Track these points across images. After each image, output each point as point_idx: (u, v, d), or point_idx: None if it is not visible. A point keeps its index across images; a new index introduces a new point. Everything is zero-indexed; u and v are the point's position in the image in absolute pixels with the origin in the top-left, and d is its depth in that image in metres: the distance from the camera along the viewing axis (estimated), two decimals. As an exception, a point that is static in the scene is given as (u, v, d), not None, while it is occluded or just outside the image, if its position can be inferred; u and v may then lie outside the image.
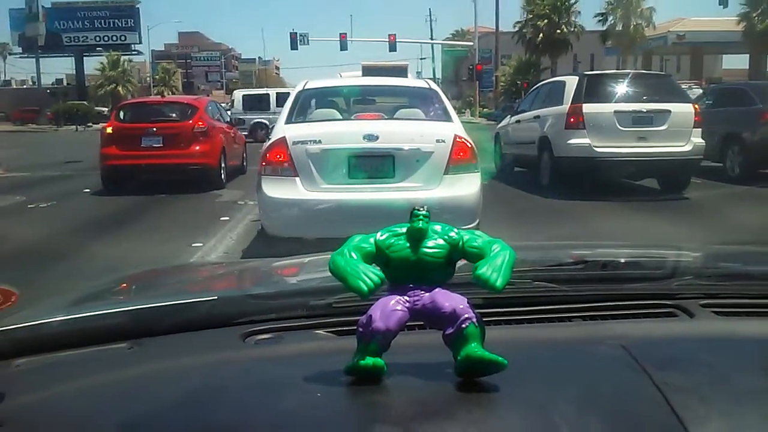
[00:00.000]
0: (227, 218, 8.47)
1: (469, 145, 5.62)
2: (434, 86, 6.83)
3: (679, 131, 10.09)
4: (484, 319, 0.89)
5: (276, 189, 5.45)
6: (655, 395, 0.80)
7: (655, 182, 10.99)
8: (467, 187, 5.49)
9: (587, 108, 10.08)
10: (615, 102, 10.26)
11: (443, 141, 5.50)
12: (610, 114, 10.05)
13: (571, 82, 10.84)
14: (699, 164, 10.67)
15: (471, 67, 46.15)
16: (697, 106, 10.77)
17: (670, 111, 10.11)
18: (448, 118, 5.98)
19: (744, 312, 1.19)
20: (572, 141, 10.08)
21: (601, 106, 10.14)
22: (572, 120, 10.12)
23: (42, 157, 19.43)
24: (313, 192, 5.39)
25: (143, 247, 6.55)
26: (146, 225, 8.42)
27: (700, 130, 10.26)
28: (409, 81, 8.52)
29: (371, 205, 5.11)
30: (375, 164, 5.48)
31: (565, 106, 10.35)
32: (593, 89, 10.41)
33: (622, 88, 10.55)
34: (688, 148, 10.09)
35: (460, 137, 5.57)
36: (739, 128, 12.12)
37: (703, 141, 10.31)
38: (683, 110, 10.24)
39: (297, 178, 5.40)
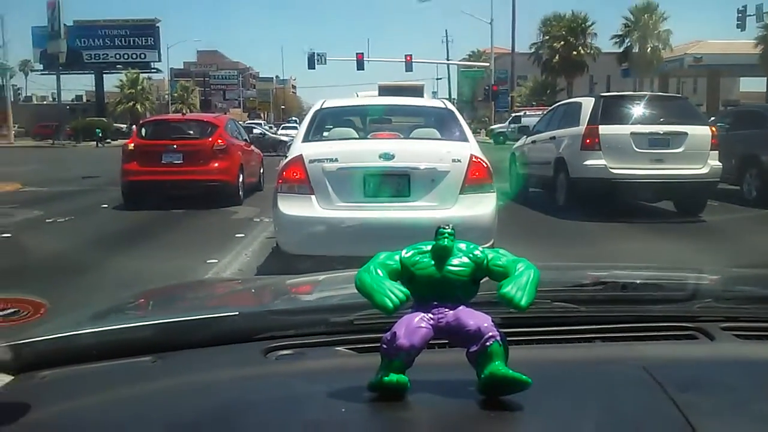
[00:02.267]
0: (243, 235, 8.52)
1: (485, 165, 5.63)
2: (450, 106, 6.87)
3: (696, 153, 10.07)
4: None
5: (292, 206, 5.49)
6: (677, 417, 0.79)
7: (671, 204, 10.96)
8: (483, 207, 5.50)
9: (603, 129, 10.10)
10: (631, 124, 10.26)
11: (459, 161, 5.52)
12: (626, 136, 10.05)
13: (588, 103, 10.86)
14: (716, 187, 10.63)
15: (487, 87, 46.33)
16: (714, 128, 10.76)
17: (687, 133, 10.10)
18: (464, 138, 6.01)
19: (765, 336, 1.20)
20: (588, 162, 10.09)
21: (617, 128, 10.15)
22: (588, 141, 10.14)
23: (60, 173, 19.61)
24: (328, 210, 5.42)
25: (158, 263, 6.58)
26: (162, 241, 8.49)
27: (717, 152, 10.23)
28: (426, 101, 8.56)
29: (387, 224, 5.13)
30: (391, 183, 5.50)
31: (582, 128, 10.36)
32: (609, 111, 10.42)
33: (638, 109, 10.56)
34: (705, 170, 10.06)
35: (476, 157, 5.59)
36: (757, 151, 12.06)
37: (720, 164, 10.27)
38: (700, 132, 10.22)
39: (313, 196, 5.44)
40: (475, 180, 5.50)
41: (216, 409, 0.90)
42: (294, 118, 77.01)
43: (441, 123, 6.41)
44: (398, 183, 5.50)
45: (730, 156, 12.32)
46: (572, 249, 7.71)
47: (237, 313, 1.29)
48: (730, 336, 1.16)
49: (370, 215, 5.36)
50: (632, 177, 9.89)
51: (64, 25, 55.03)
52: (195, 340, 1.18)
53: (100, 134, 45.15)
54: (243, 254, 7.32)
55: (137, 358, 1.12)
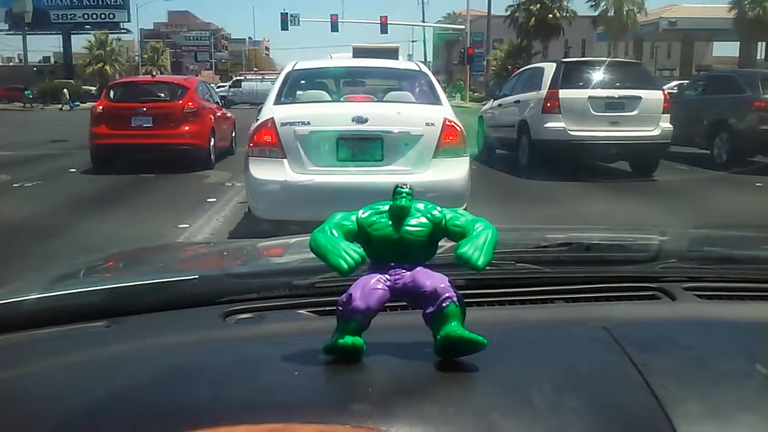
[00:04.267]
0: (214, 199, 8.41)
1: (458, 129, 5.58)
2: (425, 69, 6.77)
3: (649, 116, 10.66)
4: (466, 300, 0.88)
5: (263, 170, 5.41)
6: (635, 376, 0.80)
7: (627, 165, 11.42)
8: (456, 170, 5.46)
9: (563, 94, 10.67)
10: (589, 88, 10.83)
11: (432, 124, 5.46)
12: (584, 99, 10.63)
13: (549, 68, 11.36)
14: (667, 148, 11.19)
15: (462, 50, 45.95)
16: (666, 93, 11.34)
17: (641, 97, 10.67)
18: (438, 101, 5.94)
19: (727, 296, 1.19)
20: (548, 124, 10.64)
21: (576, 92, 10.72)
22: (549, 105, 10.70)
23: (28, 136, 19.24)
24: (300, 174, 5.35)
25: (127, 228, 6.49)
26: (132, 205, 8.34)
27: (668, 115, 10.83)
28: (400, 63, 8.46)
29: (359, 187, 5.08)
30: (364, 147, 5.44)
31: (543, 92, 10.92)
32: (569, 76, 10.98)
33: (596, 75, 11.12)
34: (656, 132, 10.67)
35: (450, 121, 5.53)
36: (727, 116, 12.14)
37: (671, 126, 10.84)
38: (653, 97, 10.80)
39: (285, 160, 5.36)
40: (448, 144, 5.45)
41: (168, 373, 0.89)
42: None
43: (415, 86, 6.33)
44: (371, 147, 5.43)
45: (701, 120, 12.50)
46: (534, 208, 8.00)
47: (197, 276, 1.26)
48: (692, 296, 1.17)
49: (342, 179, 5.29)
50: (589, 138, 10.47)
51: (30, -18, 53.63)
52: (152, 305, 1.15)
53: (68, 96, 44.16)
54: (215, 219, 7.22)
55: (91, 323, 1.09)
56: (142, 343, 1.00)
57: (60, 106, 43.49)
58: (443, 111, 5.69)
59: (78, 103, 43.91)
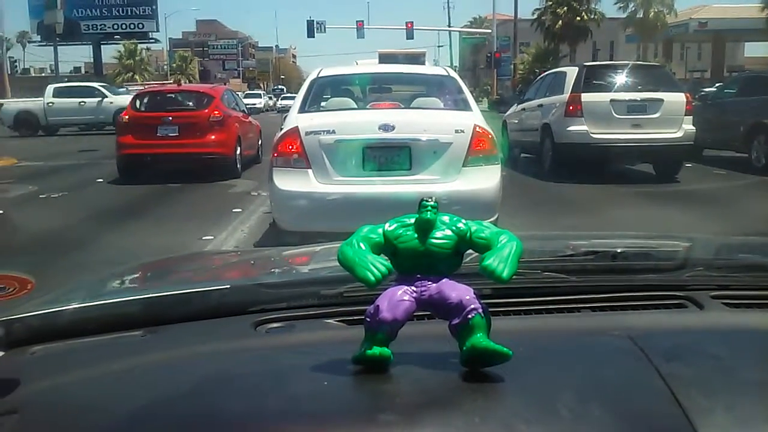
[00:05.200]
0: (240, 210, 8.31)
1: (490, 135, 5.39)
2: (453, 74, 6.58)
3: (672, 119, 10.71)
4: (493, 309, 0.90)
5: (288, 181, 5.26)
6: (661, 387, 0.80)
7: (658, 169, 11.28)
8: (487, 179, 5.26)
9: (585, 97, 10.80)
10: (612, 91, 10.95)
11: (462, 131, 5.27)
12: (606, 102, 10.73)
13: (572, 72, 11.57)
14: (690, 150, 11.18)
15: (489, 54, 45.70)
16: (689, 95, 11.38)
17: (663, 100, 10.77)
18: (468, 108, 5.74)
19: (755, 304, 1.17)
20: (571, 128, 10.77)
21: (598, 95, 10.84)
22: (571, 108, 10.83)
23: (57, 147, 19.35)
24: (326, 184, 5.19)
25: (151, 240, 6.39)
26: (156, 216, 8.28)
27: (691, 117, 10.89)
28: (427, 68, 8.29)
29: (386, 198, 4.89)
30: (391, 155, 5.26)
31: (565, 95, 11.05)
32: (592, 79, 11.18)
33: (618, 78, 11.28)
34: (679, 134, 10.70)
35: (480, 127, 5.34)
36: (766, 118, 11.76)
37: (694, 128, 10.87)
38: (675, 99, 10.86)
39: (309, 170, 5.20)
40: (478, 151, 5.26)
41: (202, 383, 0.90)
42: (281, 87, 76.61)
43: (443, 92, 6.14)
44: (398, 155, 5.26)
45: (737, 123, 12.17)
46: (559, 212, 7.97)
47: (228, 286, 1.30)
48: (720, 305, 1.15)
49: (369, 190, 5.12)
50: (612, 141, 10.54)
51: (61, -5, 54.45)
52: (185, 314, 1.18)
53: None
54: (240, 230, 7.11)
55: (127, 332, 1.12)
56: (178, 353, 1.03)
57: None
58: (473, 117, 5.49)
59: None
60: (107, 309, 1.22)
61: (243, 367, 0.95)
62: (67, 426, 0.84)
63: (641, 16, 48.33)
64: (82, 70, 71.70)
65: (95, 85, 26.30)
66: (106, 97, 24.17)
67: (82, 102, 24.02)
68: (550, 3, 48.75)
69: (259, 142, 13.99)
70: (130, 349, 1.07)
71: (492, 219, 5.00)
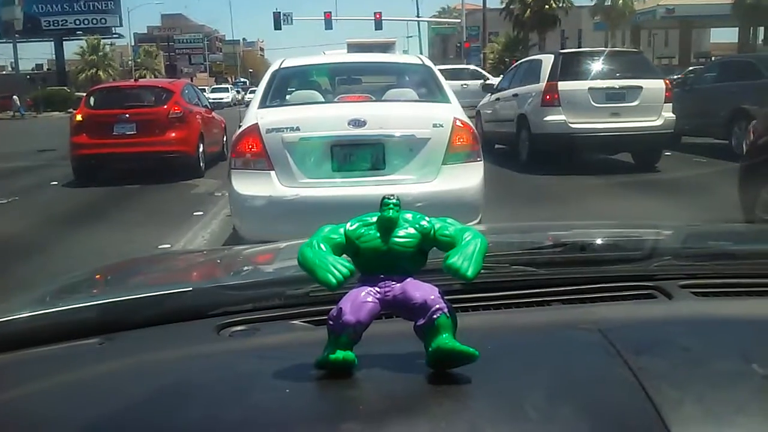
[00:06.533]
0: (201, 212, 7.81)
1: (471, 130, 4.92)
2: (428, 62, 6.05)
3: (651, 106, 10.46)
4: (462, 305, 1.00)
5: (248, 184, 4.74)
6: (630, 380, 0.79)
7: (629, 156, 11.19)
8: (469, 178, 4.79)
9: (562, 86, 10.49)
10: (589, 79, 10.67)
11: (441, 125, 4.78)
12: (584, 91, 10.45)
13: (547, 60, 11.20)
14: (670, 138, 10.97)
15: (459, 44, 45.44)
16: (668, 81, 11.13)
17: (641, 87, 10.49)
18: (446, 99, 5.24)
19: (723, 292, 1.18)
20: (548, 118, 10.46)
21: (575, 84, 10.54)
22: (548, 97, 10.52)
23: (15, 146, 18.59)
24: (290, 188, 4.67)
25: (103, 249, 5.87)
26: (111, 222, 7.70)
27: (670, 105, 10.66)
28: (400, 57, 7.79)
29: (358, 202, 4.37)
30: (362, 154, 4.76)
31: (542, 84, 10.72)
32: (568, 67, 10.81)
33: (596, 65, 10.95)
34: (659, 122, 10.46)
35: (461, 121, 4.85)
36: (747, 103, 11.44)
37: (674, 115, 10.64)
38: (654, 86, 10.61)
39: (272, 172, 4.69)
40: (459, 147, 4.77)
41: (161, 391, 0.87)
42: (243, 80, 75.73)
43: (418, 82, 5.64)
44: (371, 154, 4.75)
45: (717, 110, 11.86)
46: (536, 206, 7.70)
47: (190, 288, 1.26)
48: (688, 294, 1.16)
49: (338, 192, 4.61)
50: (591, 131, 10.25)
51: (19, -11, 53.03)
52: (145, 319, 1.13)
53: (18, 102, 43.24)
54: (200, 236, 6.63)
55: (84, 340, 1.08)
56: (136, 360, 0.99)
57: (12, 113, 42.70)
58: (452, 110, 5.00)
59: (26, 110, 43.13)
60: (61, 316, 1.17)
61: (204, 374, 0.93)
62: None
63: (609, 3, 48.41)
64: (45, 67, 70.23)
65: None
66: None
67: None
68: (519, -9, 48.54)
69: (224, 139, 13.42)
70: (86, 358, 1.02)
71: (475, 221, 4.53)
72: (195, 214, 7.72)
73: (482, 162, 4.95)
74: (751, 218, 5.42)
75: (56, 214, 8.47)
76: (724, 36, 56.87)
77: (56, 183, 10.89)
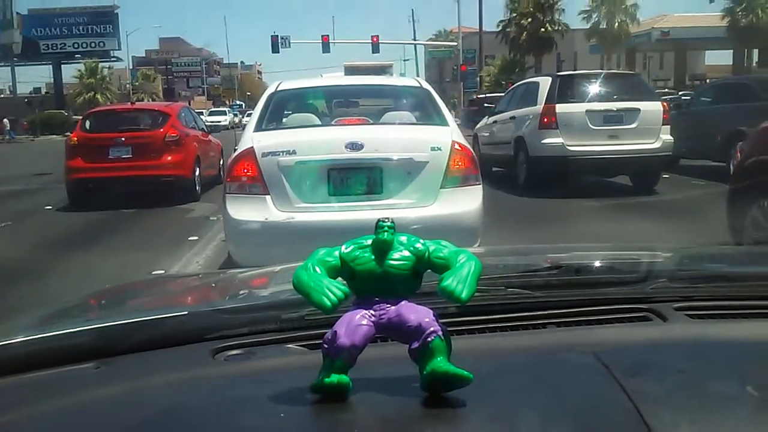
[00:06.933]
0: (196, 237, 7.70)
1: (470, 153, 4.84)
2: (426, 85, 5.99)
3: (649, 129, 10.44)
4: (456, 328, 1.00)
5: (243, 209, 4.65)
6: (625, 403, 0.79)
7: (628, 179, 11.16)
8: (468, 202, 4.71)
9: (560, 108, 10.43)
10: (587, 102, 10.62)
11: (439, 149, 4.71)
12: (582, 113, 10.39)
13: (545, 82, 11.13)
14: (668, 160, 10.96)
15: (455, 67, 45.62)
16: (665, 104, 11.09)
17: (639, 109, 10.47)
18: (444, 122, 5.17)
19: (719, 315, 1.18)
20: (546, 140, 10.40)
21: (573, 106, 10.50)
22: (546, 120, 10.45)
23: (11, 170, 18.52)
24: (286, 212, 4.59)
25: (96, 276, 5.76)
26: (104, 247, 7.59)
27: (668, 127, 10.64)
28: (398, 80, 7.74)
29: (355, 226, 4.25)
30: (360, 178, 4.68)
31: (539, 107, 10.66)
32: (566, 90, 10.79)
33: (593, 87, 10.93)
34: (657, 144, 10.44)
35: (459, 144, 4.78)
36: (743, 125, 11.38)
37: (672, 138, 10.63)
38: (652, 108, 10.58)
39: (268, 197, 4.60)
40: (458, 171, 4.70)
41: (152, 417, 0.87)
42: (239, 103, 75.92)
43: (416, 105, 5.58)
44: (368, 178, 4.67)
45: (713, 132, 11.82)
46: (535, 229, 7.60)
47: (185, 312, 1.27)
48: (683, 316, 1.16)
49: (335, 217, 4.53)
50: (589, 153, 10.23)
51: (17, 13, 53.31)
52: (141, 343, 1.12)
53: (8, 126, 43.43)
54: (194, 262, 6.53)
55: (79, 365, 1.06)
56: (132, 385, 0.98)
57: (3, 137, 42.85)
58: (450, 133, 4.93)
59: (21, 134, 43.30)
60: (56, 340, 1.15)
61: (199, 399, 0.92)
62: None
63: (604, 26, 48.73)
64: (43, 90, 70.34)
65: None
66: None
67: None
68: (515, 15, 48.97)
69: (221, 162, 13.34)
70: (81, 382, 1.02)
71: (474, 246, 4.44)
72: (190, 239, 7.63)
73: (481, 186, 4.88)
74: (740, 240, 5.39)
75: (49, 239, 8.37)
76: (719, 58, 57.16)
77: (50, 207, 10.79)
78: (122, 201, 10.42)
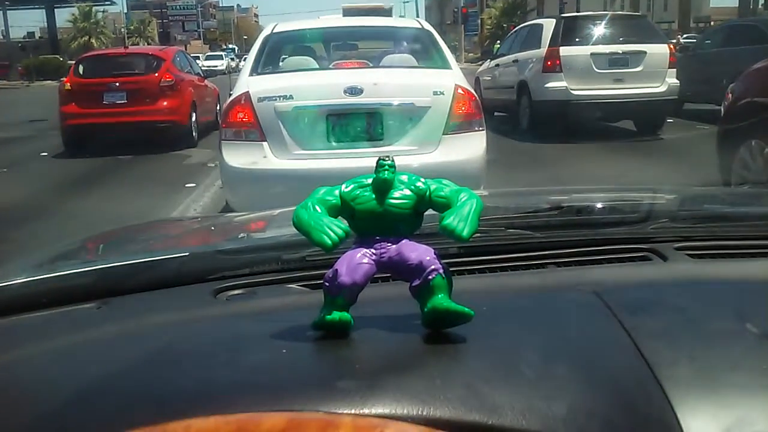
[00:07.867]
0: (193, 184, 7.58)
1: (474, 98, 4.69)
2: (427, 26, 5.79)
3: (654, 72, 10.26)
4: (457, 269, 0.99)
5: (240, 157, 4.53)
6: (625, 340, 0.79)
7: (631, 124, 11.07)
8: (471, 148, 4.59)
9: (564, 51, 10.22)
10: (591, 44, 10.41)
11: (441, 93, 4.56)
12: (586, 56, 10.19)
13: (549, 25, 10.88)
14: (673, 104, 10.78)
15: (456, 10, 44.83)
16: (672, 46, 10.96)
17: (645, 52, 10.28)
18: (446, 65, 5.00)
19: (719, 254, 1.17)
20: (550, 84, 10.20)
21: (578, 49, 10.29)
22: (549, 63, 10.25)
23: (6, 116, 18.30)
24: (284, 160, 4.47)
25: (89, 226, 5.64)
26: (100, 195, 7.47)
27: (675, 70, 10.46)
28: (398, 21, 7.51)
29: (355, 174, 4.14)
30: (359, 124, 4.54)
31: (543, 50, 10.44)
32: (570, 32, 10.55)
33: (598, 30, 10.69)
34: (662, 88, 10.26)
35: (462, 88, 4.63)
36: (751, 69, 11.19)
37: (678, 81, 10.44)
38: (658, 51, 10.41)
39: (265, 143, 4.47)
40: (461, 116, 4.56)
41: (157, 354, 0.87)
42: (232, 47, 74.80)
43: (417, 47, 5.40)
44: (368, 123, 4.53)
45: (721, 75, 11.57)
46: (538, 174, 7.54)
47: (187, 253, 1.26)
48: (684, 256, 1.15)
49: (334, 165, 4.41)
50: (593, 97, 10.08)
51: (8, -45, 52.08)
52: (143, 284, 1.12)
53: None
54: (192, 209, 6.44)
55: (80, 305, 1.07)
56: (133, 324, 0.99)
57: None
58: (453, 76, 4.77)
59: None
60: (58, 281, 1.16)
61: (200, 337, 0.92)
62: (16, 404, 0.79)
63: (609, -34, 47.77)
64: (36, 35, 69.36)
65: None
66: None
67: None
68: (517, -45, 47.81)
69: (218, 107, 13.18)
70: (83, 321, 1.02)
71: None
72: (187, 186, 7.51)
73: (485, 131, 4.75)
74: (728, 179, 5.45)
75: (45, 186, 8.26)
76: (725, 1, 56.19)
77: (46, 154, 10.66)
78: (118, 147, 10.26)
